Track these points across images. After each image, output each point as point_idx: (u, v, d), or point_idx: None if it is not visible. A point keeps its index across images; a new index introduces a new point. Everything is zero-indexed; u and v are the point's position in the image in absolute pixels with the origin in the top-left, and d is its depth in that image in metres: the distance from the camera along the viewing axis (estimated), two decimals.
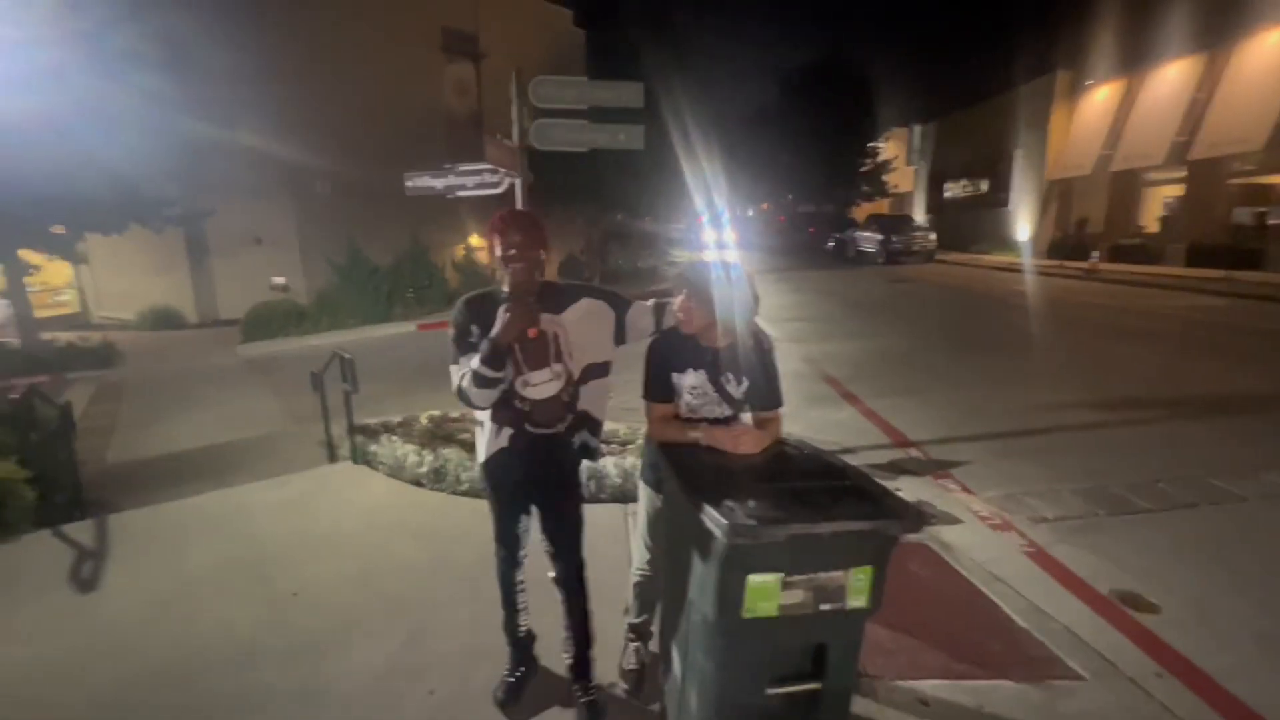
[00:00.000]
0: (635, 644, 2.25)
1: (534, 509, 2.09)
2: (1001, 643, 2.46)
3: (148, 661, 2.46)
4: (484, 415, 1.96)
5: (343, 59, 12.99)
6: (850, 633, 1.57)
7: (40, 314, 10.70)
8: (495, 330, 1.76)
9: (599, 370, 2.02)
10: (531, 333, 1.79)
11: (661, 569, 2.08)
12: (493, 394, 1.85)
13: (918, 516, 1.43)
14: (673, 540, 1.80)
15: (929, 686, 2.22)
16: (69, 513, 3.83)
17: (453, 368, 1.90)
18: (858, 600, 1.51)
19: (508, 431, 1.95)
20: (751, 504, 1.45)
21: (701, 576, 1.52)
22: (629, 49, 16.94)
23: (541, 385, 1.92)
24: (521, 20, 17.20)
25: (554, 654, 2.28)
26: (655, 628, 2.27)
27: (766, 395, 1.95)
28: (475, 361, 1.78)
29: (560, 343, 1.92)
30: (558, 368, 1.93)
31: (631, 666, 2.22)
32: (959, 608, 2.70)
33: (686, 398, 1.93)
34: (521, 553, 2.13)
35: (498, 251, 1.83)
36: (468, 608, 2.70)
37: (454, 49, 15.75)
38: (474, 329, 1.86)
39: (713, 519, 1.40)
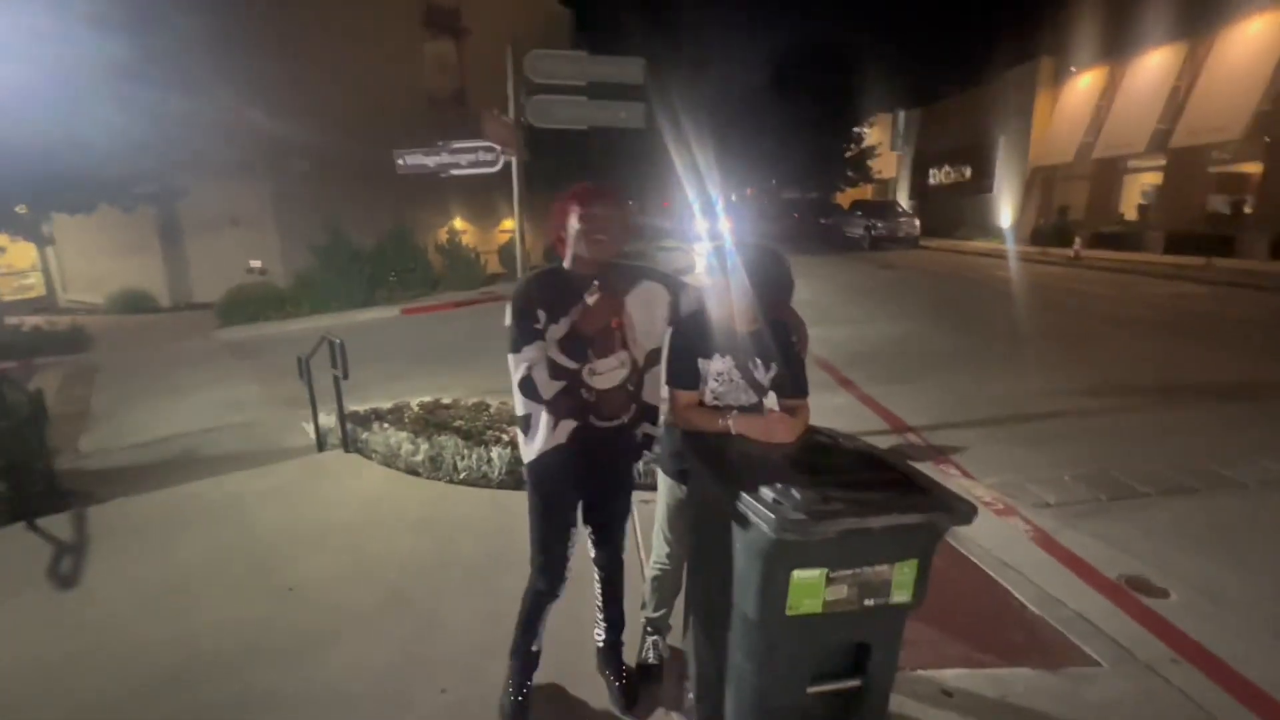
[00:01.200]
0: (654, 638, 2.18)
1: (581, 506, 1.96)
2: (1018, 631, 2.44)
3: (136, 664, 2.32)
4: (533, 409, 1.81)
5: (321, 34, 12.53)
6: (893, 628, 1.51)
7: (4, 298, 10.28)
8: (576, 318, 1.67)
9: (657, 356, 1.92)
10: (614, 323, 1.70)
11: (683, 563, 2.01)
12: (561, 385, 1.74)
13: (971, 508, 1.37)
14: (702, 535, 1.72)
15: (950, 676, 2.19)
16: (44, 504, 3.65)
17: (512, 356, 1.73)
18: (901, 595, 1.45)
19: (568, 425, 1.79)
20: (796, 496, 1.37)
21: (742, 573, 1.44)
22: (614, 29, 16.64)
23: (609, 373, 1.79)
24: None
25: (555, 659, 2.16)
26: (673, 621, 2.20)
27: (795, 382, 1.87)
28: (553, 350, 1.67)
29: (625, 329, 1.81)
30: (623, 355, 1.81)
31: (651, 661, 2.15)
32: (973, 595, 2.67)
33: (711, 384, 1.85)
34: (563, 584, 1.95)
35: (575, 225, 1.71)
36: (475, 601, 2.61)
37: (435, 24, 15.31)
38: (540, 313, 1.71)
39: (758, 513, 1.32)
